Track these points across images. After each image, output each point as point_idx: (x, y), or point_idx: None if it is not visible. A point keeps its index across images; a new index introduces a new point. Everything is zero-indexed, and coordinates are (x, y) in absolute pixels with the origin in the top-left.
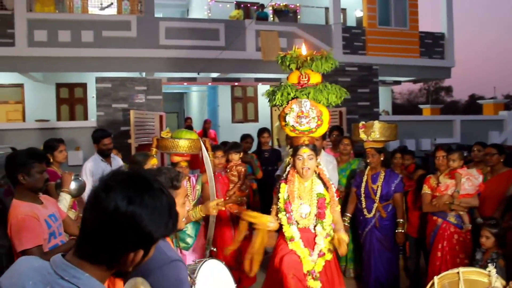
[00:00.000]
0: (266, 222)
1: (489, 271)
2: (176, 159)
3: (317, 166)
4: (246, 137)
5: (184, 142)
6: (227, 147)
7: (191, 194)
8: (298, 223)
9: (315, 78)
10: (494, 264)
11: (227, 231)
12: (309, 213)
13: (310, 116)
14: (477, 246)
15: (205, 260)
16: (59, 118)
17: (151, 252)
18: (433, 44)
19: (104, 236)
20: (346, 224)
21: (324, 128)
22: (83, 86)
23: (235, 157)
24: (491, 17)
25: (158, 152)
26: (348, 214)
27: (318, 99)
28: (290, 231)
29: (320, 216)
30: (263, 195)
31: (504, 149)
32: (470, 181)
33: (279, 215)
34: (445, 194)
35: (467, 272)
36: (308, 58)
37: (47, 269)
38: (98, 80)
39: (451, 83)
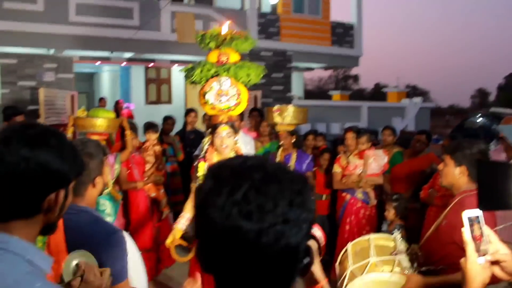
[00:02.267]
0: None
1: (395, 236)
2: (94, 138)
3: (234, 144)
4: (167, 119)
5: (101, 121)
6: (144, 126)
7: (109, 173)
8: None
9: (234, 57)
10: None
11: (145, 214)
12: None
13: (230, 94)
14: (383, 219)
15: None
16: None
17: (69, 194)
18: (344, 33)
19: (19, 187)
20: None
21: (242, 107)
22: None
23: (153, 136)
24: (398, 12)
25: (75, 131)
26: None
27: (238, 76)
28: None
29: None
30: (186, 178)
31: (431, 137)
32: (377, 161)
33: None
34: (353, 173)
35: (376, 238)
36: (228, 37)
37: None
38: (2, 55)
39: (358, 72)
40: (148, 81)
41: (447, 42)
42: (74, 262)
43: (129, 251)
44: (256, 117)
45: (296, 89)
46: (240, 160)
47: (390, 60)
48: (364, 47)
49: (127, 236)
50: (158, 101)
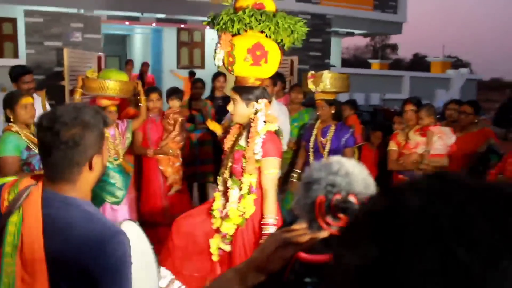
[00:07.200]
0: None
1: None
2: (104, 103)
3: (255, 114)
4: (196, 82)
5: (113, 84)
6: (168, 92)
7: (120, 142)
8: (223, 174)
9: (270, 6)
10: None
11: (155, 182)
12: (226, 167)
13: (217, 51)
14: None
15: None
16: None
17: None
18: None
19: None
20: (295, 180)
21: (240, 67)
22: (13, 21)
23: (176, 103)
24: None
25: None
26: (297, 170)
27: (252, 23)
28: (219, 180)
29: (233, 171)
30: (217, 147)
31: (480, 108)
32: (442, 140)
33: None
34: (414, 152)
35: None
36: None
37: None
38: (27, 13)
39: (397, 41)
40: (180, 45)
41: (490, 13)
42: None
43: (139, 249)
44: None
45: (334, 56)
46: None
47: (430, 29)
48: (408, 13)
49: (135, 230)
50: (190, 66)
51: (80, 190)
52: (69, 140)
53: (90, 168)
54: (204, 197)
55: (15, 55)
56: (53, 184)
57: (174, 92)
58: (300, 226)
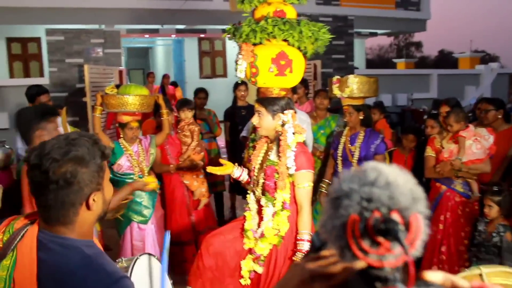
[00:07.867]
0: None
1: None
2: (125, 119)
3: (282, 126)
4: (198, 92)
5: (133, 99)
6: (179, 104)
7: (144, 159)
8: (255, 192)
9: (291, 13)
10: (501, 238)
11: (180, 199)
12: (258, 183)
13: (239, 63)
14: (480, 216)
15: (137, 258)
16: (12, 76)
17: None
18: None
19: None
20: (324, 191)
21: (265, 78)
22: (37, 40)
23: (189, 114)
24: None
25: (103, 111)
26: (326, 180)
27: (276, 33)
28: (249, 198)
29: (266, 187)
30: (234, 158)
31: (503, 103)
32: (479, 143)
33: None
34: (449, 161)
35: (491, 274)
36: None
37: None
38: (49, 32)
39: (421, 38)
40: (202, 54)
41: None
42: None
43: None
44: (303, 90)
45: (357, 57)
46: None
47: (455, 24)
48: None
49: (151, 265)
50: (212, 75)
51: (79, 231)
52: (60, 179)
53: (88, 208)
54: (221, 206)
55: (41, 73)
56: (48, 225)
57: (185, 104)
58: (331, 252)
